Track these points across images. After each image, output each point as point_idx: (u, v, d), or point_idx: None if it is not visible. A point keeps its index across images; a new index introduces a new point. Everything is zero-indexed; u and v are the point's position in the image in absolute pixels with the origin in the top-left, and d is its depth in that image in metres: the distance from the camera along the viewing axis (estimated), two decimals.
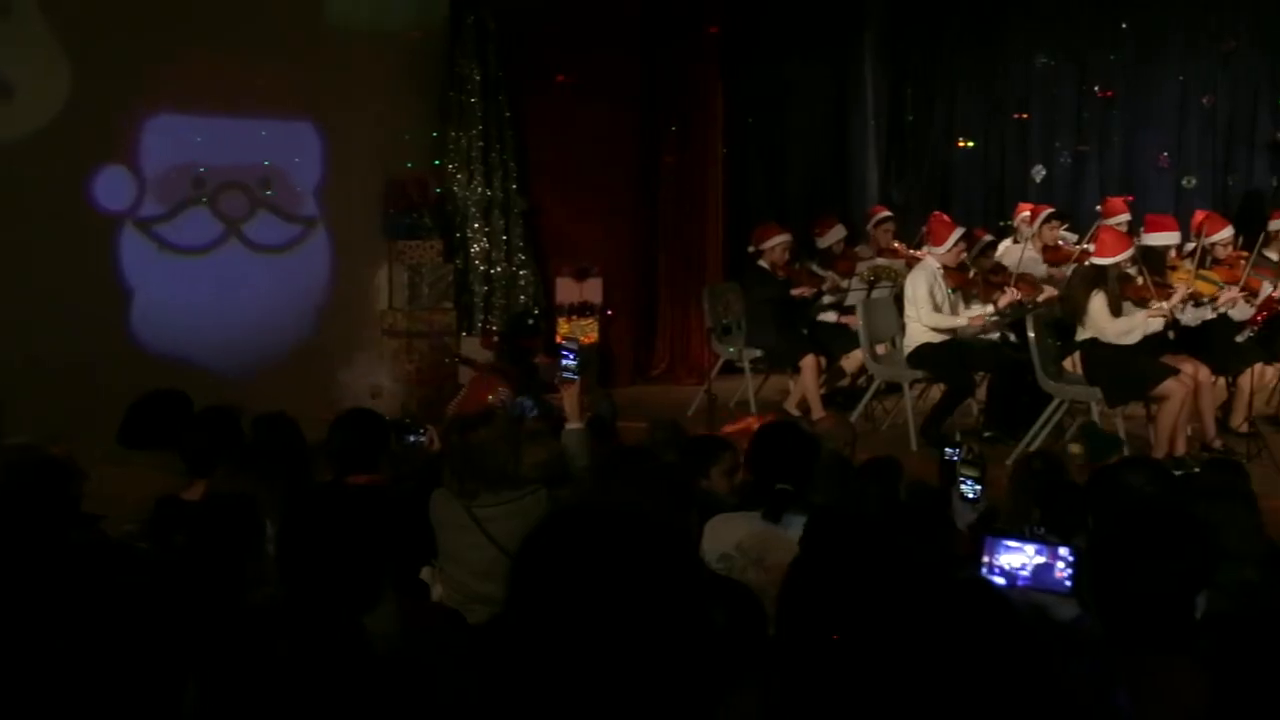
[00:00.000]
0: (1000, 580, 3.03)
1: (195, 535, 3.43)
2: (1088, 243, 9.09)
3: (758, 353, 8.98)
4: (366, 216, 9.67)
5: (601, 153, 10.27)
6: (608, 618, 1.87)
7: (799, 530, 3.32)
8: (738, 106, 11.12)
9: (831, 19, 11.93)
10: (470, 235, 10.18)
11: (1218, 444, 7.58)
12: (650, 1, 10.24)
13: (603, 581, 1.90)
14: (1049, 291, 8.56)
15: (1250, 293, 7.99)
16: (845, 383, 9.26)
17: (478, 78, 10.04)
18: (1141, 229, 8.37)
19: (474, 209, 10.16)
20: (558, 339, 9.87)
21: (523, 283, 10.33)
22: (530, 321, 9.69)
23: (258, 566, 3.29)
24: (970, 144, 13.73)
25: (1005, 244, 9.55)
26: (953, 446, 4.85)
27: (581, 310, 10.31)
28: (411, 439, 5.53)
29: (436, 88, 10.10)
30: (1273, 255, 8.50)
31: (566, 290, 10.40)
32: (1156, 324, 7.48)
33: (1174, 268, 8.05)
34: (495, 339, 9.37)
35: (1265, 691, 2.46)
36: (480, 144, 10.12)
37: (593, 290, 10.38)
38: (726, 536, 3.98)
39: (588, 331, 10.21)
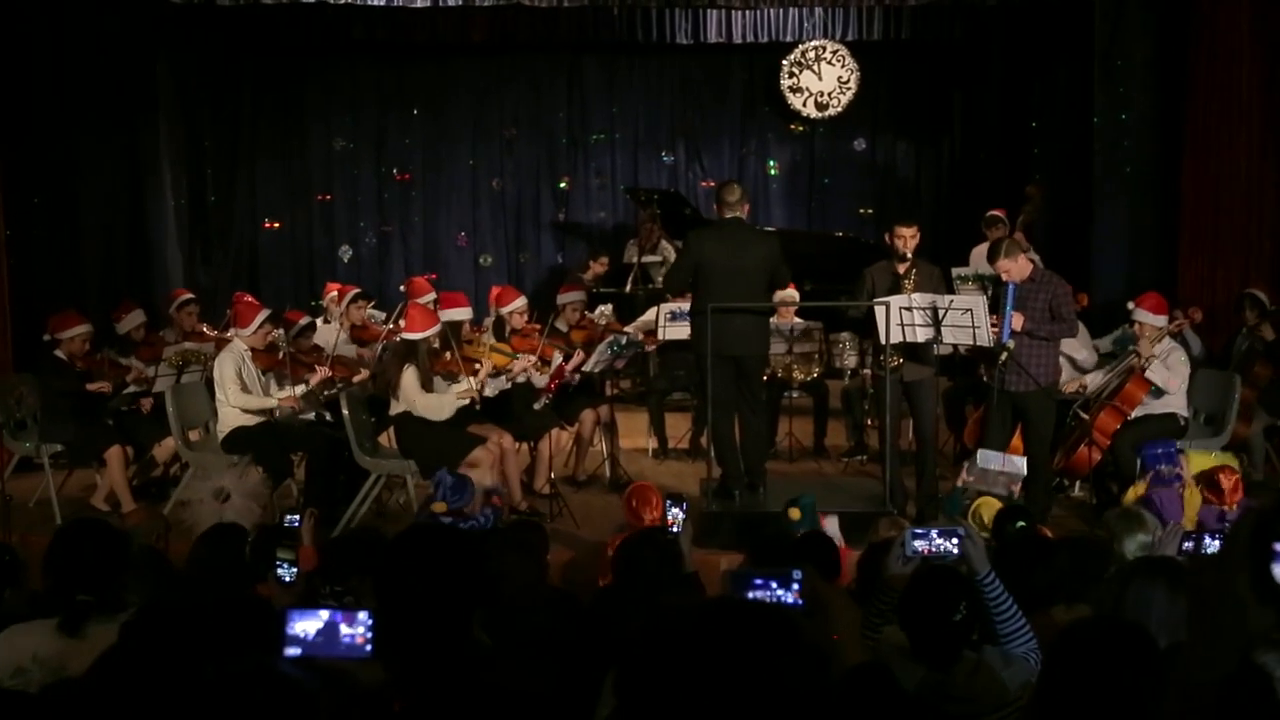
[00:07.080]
0: (296, 650, 2.94)
1: None
2: (396, 321, 9.35)
3: (58, 447, 8.35)
4: None
5: None
6: None
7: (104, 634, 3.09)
8: (21, 185, 10.29)
9: (120, 97, 11.46)
10: None
11: (524, 505, 8.03)
12: None
13: None
14: (364, 372, 8.71)
15: (544, 361, 8.58)
16: (158, 472, 8.86)
17: None
18: (437, 306, 8.76)
19: None
20: None
21: None
22: None
23: None
24: (276, 224, 13.79)
25: (318, 323, 9.59)
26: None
27: None
28: None
29: None
30: (563, 326, 9.19)
31: None
32: (464, 401, 7.84)
33: (470, 340, 8.49)
34: None
35: None
36: None
37: None
38: (22, 648, 3.61)
39: None
